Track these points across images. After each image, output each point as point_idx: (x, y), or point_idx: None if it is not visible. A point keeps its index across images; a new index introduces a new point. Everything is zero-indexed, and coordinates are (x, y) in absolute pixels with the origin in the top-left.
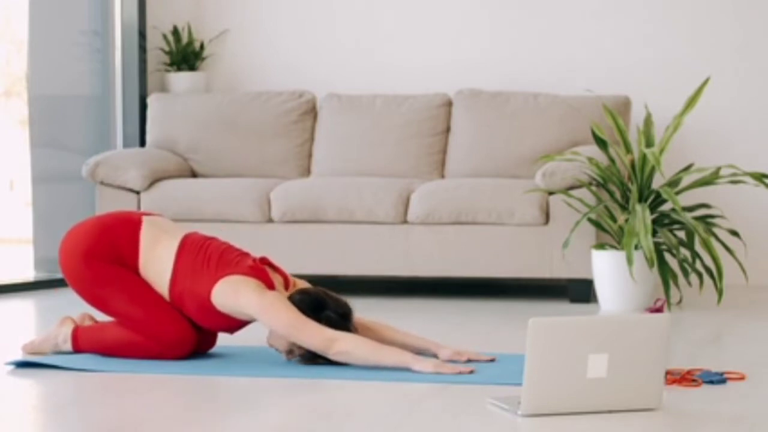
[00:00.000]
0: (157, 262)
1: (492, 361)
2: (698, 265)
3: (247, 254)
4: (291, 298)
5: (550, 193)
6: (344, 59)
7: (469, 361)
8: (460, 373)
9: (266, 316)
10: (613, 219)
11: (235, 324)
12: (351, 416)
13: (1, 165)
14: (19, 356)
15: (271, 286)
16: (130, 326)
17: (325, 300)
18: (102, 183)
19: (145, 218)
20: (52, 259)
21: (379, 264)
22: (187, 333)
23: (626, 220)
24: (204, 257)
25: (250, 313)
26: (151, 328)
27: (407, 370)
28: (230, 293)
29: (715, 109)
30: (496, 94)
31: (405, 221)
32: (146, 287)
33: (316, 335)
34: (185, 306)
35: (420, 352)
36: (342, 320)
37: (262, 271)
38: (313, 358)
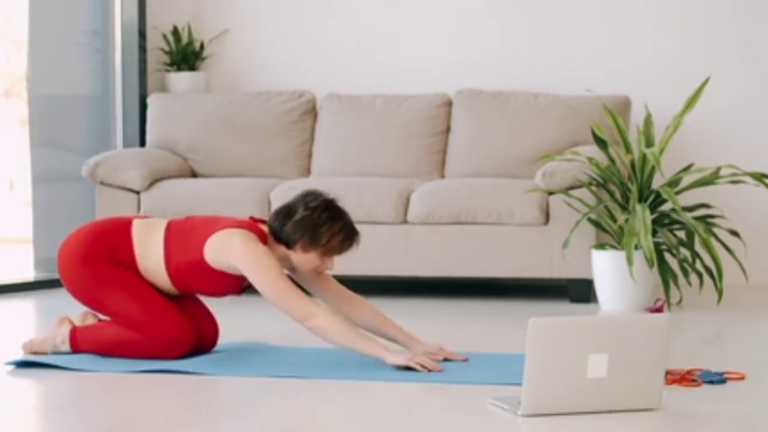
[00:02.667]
0: (152, 252)
1: (465, 361)
2: (698, 265)
3: (235, 218)
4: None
5: (550, 193)
6: (344, 59)
7: (445, 360)
8: (429, 371)
9: (253, 273)
10: (613, 219)
11: (235, 283)
12: (351, 416)
13: (1, 165)
14: (19, 356)
15: (263, 239)
16: (131, 326)
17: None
18: (102, 183)
19: (135, 219)
20: (52, 259)
21: (379, 264)
22: (187, 333)
23: (626, 220)
24: (189, 228)
25: (238, 266)
26: (151, 327)
27: (380, 360)
28: (219, 246)
29: (715, 109)
30: (496, 94)
31: (405, 221)
32: (146, 286)
33: (296, 306)
34: (186, 279)
35: (394, 341)
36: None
37: (252, 224)
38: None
